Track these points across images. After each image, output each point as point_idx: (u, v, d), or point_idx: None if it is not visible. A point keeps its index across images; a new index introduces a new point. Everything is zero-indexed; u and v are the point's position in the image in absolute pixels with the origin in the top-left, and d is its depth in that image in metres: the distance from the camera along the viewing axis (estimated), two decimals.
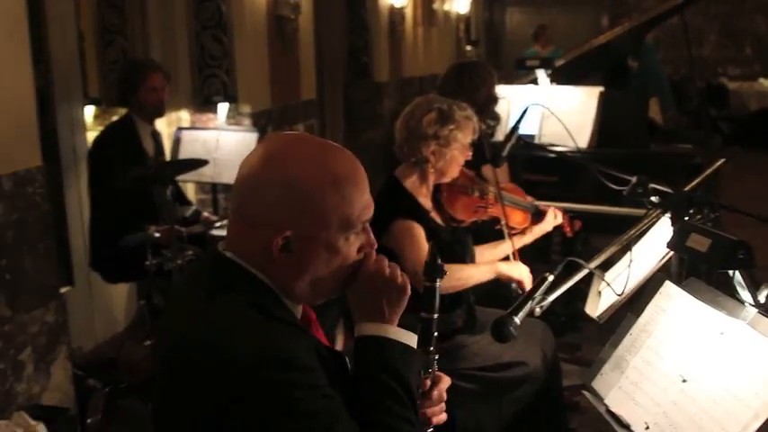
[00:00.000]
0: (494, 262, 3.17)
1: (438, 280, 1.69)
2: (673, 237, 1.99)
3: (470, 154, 3.11)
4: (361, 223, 1.55)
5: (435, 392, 1.71)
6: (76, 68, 4.60)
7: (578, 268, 2.10)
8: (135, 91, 4.17)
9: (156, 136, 4.41)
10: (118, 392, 3.96)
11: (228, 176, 4.77)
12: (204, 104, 5.54)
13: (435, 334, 1.71)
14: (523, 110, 3.43)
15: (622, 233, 2.44)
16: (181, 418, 1.44)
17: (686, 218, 2.15)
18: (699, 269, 2.17)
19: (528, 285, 3.06)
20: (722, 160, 2.48)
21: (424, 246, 2.87)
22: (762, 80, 13.95)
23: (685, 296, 1.94)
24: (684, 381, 1.77)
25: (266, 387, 1.38)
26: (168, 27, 5.41)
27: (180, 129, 5.06)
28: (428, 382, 1.70)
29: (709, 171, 2.47)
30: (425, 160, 3.00)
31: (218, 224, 4.33)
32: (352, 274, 1.57)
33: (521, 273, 3.11)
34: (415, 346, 1.62)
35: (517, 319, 1.91)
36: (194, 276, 1.64)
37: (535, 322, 3.18)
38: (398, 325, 1.62)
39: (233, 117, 5.50)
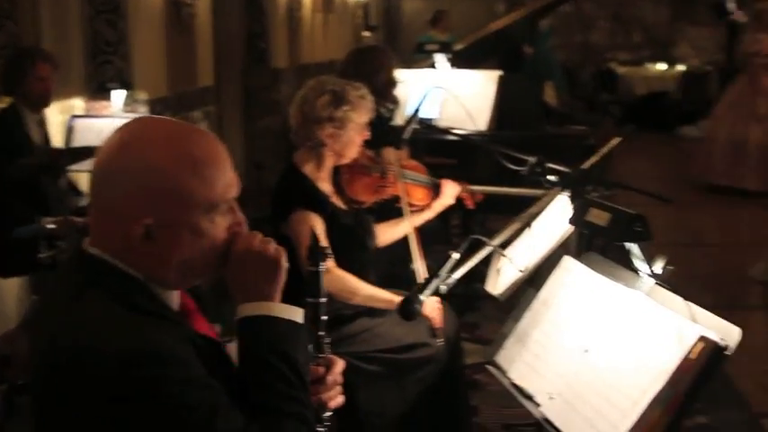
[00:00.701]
0: (392, 299, 2.93)
1: (321, 264, 1.68)
2: (573, 212, 2.05)
3: (368, 134, 3.11)
4: (226, 203, 1.50)
5: (330, 377, 1.67)
6: None
7: (481, 246, 2.14)
8: (22, 80, 4.05)
9: (43, 125, 4.28)
10: (15, 390, 3.84)
11: None
12: (99, 91, 5.38)
13: (324, 318, 1.69)
14: (424, 93, 3.46)
15: (520, 213, 2.51)
16: (57, 422, 1.40)
17: (585, 194, 2.21)
18: (596, 245, 2.24)
19: (438, 320, 2.98)
20: (619, 139, 2.57)
21: (320, 236, 2.87)
22: (648, 65, 14.45)
23: (584, 270, 2.01)
24: (586, 351, 1.83)
25: (139, 385, 1.34)
26: (60, 11, 5.23)
27: (74, 117, 4.88)
28: (321, 369, 1.66)
29: (605, 149, 2.56)
30: (322, 144, 2.98)
31: None
32: (224, 254, 1.52)
33: (429, 306, 2.94)
34: (302, 321, 1.56)
35: (422, 297, 1.93)
36: (62, 275, 1.57)
37: None
38: None
39: (129, 104, 5.36)
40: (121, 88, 5.31)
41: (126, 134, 1.47)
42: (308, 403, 1.51)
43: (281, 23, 9.72)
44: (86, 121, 4.85)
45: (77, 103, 5.37)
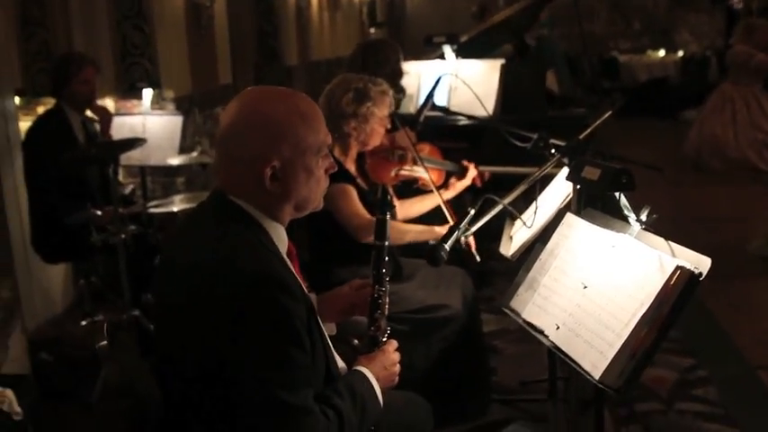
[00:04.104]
0: (432, 227, 3.41)
1: (388, 213, 2.05)
2: (570, 171, 2.40)
3: (389, 124, 3.45)
4: (327, 147, 1.90)
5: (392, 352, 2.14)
6: (6, 60, 4.74)
7: (494, 204, 2.48)
8: (68, 83, 4.37)
9: (86, 124, 4.60)
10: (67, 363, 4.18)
11: (156, 159, 4.98)
12: (128, 91, 5.73)
13: (386, 258, 2.06)
14: (436, 80, 3.78)
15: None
16: (192, 324, 1.75)
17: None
18: (595, 204, 2.57)
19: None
20: (609, 112, 2.89)
21: (357, 203, 3.21)
22: (650, 52, 14.70)
23: (583, 222, 2.35)
24: (585, 287, 2.18)
25: (261, 300, 1.69)
26: (89, 18, 5.57)
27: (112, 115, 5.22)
28: (385, 295, 2.14)
29: (598, 121, 2.88)
30: (348, 135, 3.32)
31: (152, 203, 4.58)
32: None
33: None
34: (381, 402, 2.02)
35: (447, 246, 2.28)
36: (199, 217, 1.95)
37: (455, 270, 3.56)
38: None
39: (157, 102, 5.71)
40: (150, 87, 5.66)
41: (245, 99, 1.86)
42: (352, 428, 1.87)
43: (291, 22, 10.04)
44: (118, 118, 5.14)
45: (109, 103, 5.72)
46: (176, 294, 1.82)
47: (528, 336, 2.33)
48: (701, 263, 1.97)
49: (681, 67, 13.77)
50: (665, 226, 2.23)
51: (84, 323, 4.43)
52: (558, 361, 3.22)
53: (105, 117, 4.73)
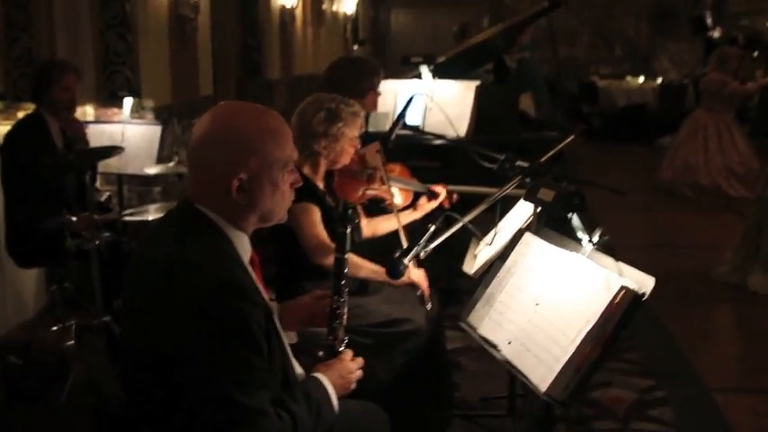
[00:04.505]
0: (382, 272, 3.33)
1: (348, 227, 2.13)
2: (528, 192, 2.50)
3: (359, 144, 3.53)
4: (292, 162, 1.99)
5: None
6: None
7: (454, 221, 2.57)
8: (49, 89, 4.41)
9: (64, 131, 4.65)
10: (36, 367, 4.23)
11: (134, 168, 5.04)
12: (109, 99, 5.79)
13: (346, 270, 2.15)
14: (408, 99, 3.87)
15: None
16: (153, 326, 1.83)
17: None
18: (556, 224, 2.66)
19: (424, 286, 3.41)
20: (572, 136, 2.99)
21: (318, 224, 3.29)
22: (629, 78, 14.90)
23: (539, 242, 2.45)
24: (537, 304, 2.27)
25: (221, 306, 1.78)
26: (73, 25, 5.64)
27: (86, 122, 5.29)
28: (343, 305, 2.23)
29: (560, 145, 2.98)
30: (318, 153, 3.40)
31: (127, 211, 4.64)
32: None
33: (417, 275, 3.39)
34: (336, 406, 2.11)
35: (406, 260, 2.37)
36: (167, 223, 2.04)
37: None
38: None
39: (137, 111, 5.77)
40: (130, 96, 5.72)
41: (217, 113, 1.97)
42: (305, 429, 1.95)
43: (275, 37, 10.13)
44: (98, 126, 5.21)
45: (89, 110, 5.78)
46: (140, 297, 1.90)
47: (492, 355, 2.41)
48: (645, 283, 2.06)
49: (659, 94, 13.95)
50: (635, 251, 2.33)
51: (54, 328, 4.48)
52: (517, 378, 3.30)
53: (78, 129, 4.78)
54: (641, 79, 14.67)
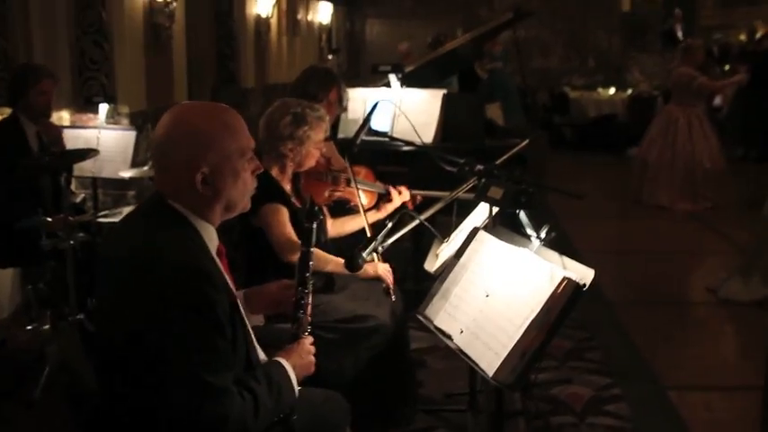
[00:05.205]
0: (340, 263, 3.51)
1: (315, 222, 2.27)
2: (478, 191, 2.65)
3: (324, 147, 3.67)
4: (250, 151, 2.14)
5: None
6: None
7: (411, 218, 2.72)
8: (25, 93, 4.50)
9: (40, 134, 4.75)
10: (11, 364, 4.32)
11: (108, 171, 5.12)
12: (85, 105, 5.89)
13: (311, 263, 2.29)
14: (373, 105, 4.02)
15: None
16: (125, 311, 1.96)
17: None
18: (510, 223, 2.81)
19: (389, 279, 3.57)
20: (526, 141, 3.14)
21: (287, 223, 3.42)
22: (600, 89, 15.14)
23: (492, 239, 2.59)
24: (487, 296, 2.41)
25: (187, 290, 1.91)
26: (50, 31, 5.74)
27: (62, 127, 5.38)
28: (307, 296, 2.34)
29: (515, 149, 3.14)
30: (284, 156, 3.53)
31: (102, 212, 4.74)
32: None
33: (383, 269, 3.58)
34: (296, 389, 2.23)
35: (365, 254, 2.51)
36: (137, 217, 2.18)
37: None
38: None
39: (112, 117, 5.87)
40: (105, 102, 5.82)
41: (176, 112, 2.10)
42: (267, 411, 2.08)
43: (250, 46, 10.25)
44: (74, 131, 5.29)
45: (65, 116, 5.87)
46: (111, 286, 2.03)
47: (455, 353, 2.55)
48: (585, 275, 2.21)
49: (628, 105, 14.17)
50: (600, 256, 2.46)
51: (29, 327, 4.57)
52: (478, 375, 3.45)
53: (55, 133, 4.87)
54: (612, 90, 14.90)
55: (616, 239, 7.77)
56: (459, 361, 3.72)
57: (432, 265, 3.41)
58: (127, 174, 5.01)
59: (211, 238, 2.13)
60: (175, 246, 1.97)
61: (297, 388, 2.21)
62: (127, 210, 4.85)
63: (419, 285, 5.18)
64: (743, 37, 17.27)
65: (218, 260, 2.13)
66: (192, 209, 2.08)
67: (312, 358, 2.33)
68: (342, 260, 3.51)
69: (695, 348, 4.95)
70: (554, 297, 2.20)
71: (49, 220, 4.23)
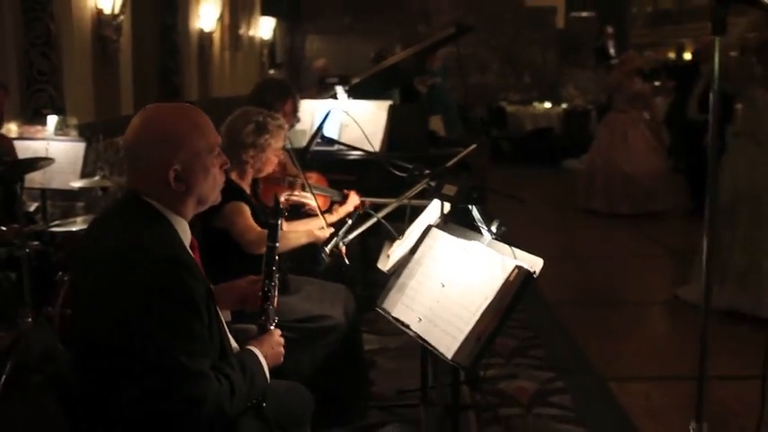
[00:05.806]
0: (310, 230, 3.79)
1: (280, 219, 2.41)
2: (433, 188, 2.82)
3: (282, 155, 3.82)
4: (218, 147, 2.28)
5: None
6: None
7: (369, 217, 2.87)
8: None
9: None
10: None
11: (58, 182, 5.16)
12: (33, 117, 5.90)
13: (277, 258, 2.43)
14: (326, 113, 4.18)
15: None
16: (106, 303, 2.07)
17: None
18: (462, 220, 2.97)
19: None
20: (474, 145, 3.33)
21: (250, 218, 3.55)
22: (536, 104, 15.52)
23: (444, 235, 2.76)
24: (443, 286, 2.58)
25: (166, 279, 2.03)
26: None
27: (12, 138, 5.39)
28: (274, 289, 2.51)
29: (464, 152, 3.32)
30: (245, 162, 3.67)
31: (55, 222, 4.78)
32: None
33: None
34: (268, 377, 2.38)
35: (327, 249, 2.65)
36: (112, 213, 2.29)
37: (338, 287, 3.93)
38: None
39: (61, 129, 5.88)
40: (54, 114, 5.84)
41: (146, 114, 2.22)
42: (242, 396, 2.21)
43: (193, 60, 10.32)
44: (22, 142, 5.29)
45: (12, 128, 5.88)
46: (93, 281, 2.13)
47: (405, 353, 2.71)
48: (535, 264, 2.39)
49: (564, 119, 14.56)
50: (546, 262, 2.61)
51: None
52: (430, 371, 3.62)
53: (6, 144, 4.91)
54: (548, 104, 15.28)
55: (556, 245, 8.05)
56: (410, 361, 3.89)
57: (384, 264, 3.56)
58: (77, 184, 5.05)
59: (185, 231, 2.25)
60: (156, 240, 2.09)
61: (268, 376, 2.34)
62: (80, 219, 4.91)
63: (368, 291, 5.35)
64: (672, 54, 17.91)
65: (191, 252, 2.25)
66: (167, 204, 2.20)
67: (282, 349, 2.47)
68: (311, 224, 3.70)
69: (632, 344, 5.21)
70: (507, 284, 2.37)
71: (4, 228, 4.27)
